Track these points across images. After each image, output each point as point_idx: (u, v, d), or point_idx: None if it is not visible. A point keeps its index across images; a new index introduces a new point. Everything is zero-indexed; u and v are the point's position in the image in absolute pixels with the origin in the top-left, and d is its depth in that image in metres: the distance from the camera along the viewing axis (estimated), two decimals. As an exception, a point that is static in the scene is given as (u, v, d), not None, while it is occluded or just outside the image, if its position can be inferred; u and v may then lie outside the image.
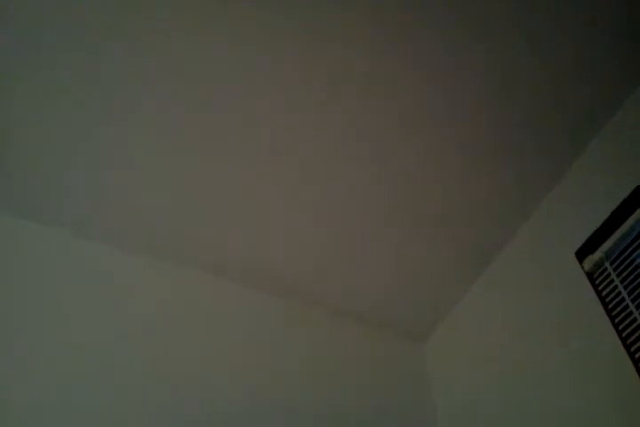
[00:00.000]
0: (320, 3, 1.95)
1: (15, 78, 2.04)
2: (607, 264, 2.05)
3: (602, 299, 2.01)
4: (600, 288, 2.05)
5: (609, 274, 2.03)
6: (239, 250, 2.54)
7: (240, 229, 2.48)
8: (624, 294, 1.93)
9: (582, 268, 2.13)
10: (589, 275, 2.11)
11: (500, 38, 2.03)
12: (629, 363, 1.81)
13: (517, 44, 2.05)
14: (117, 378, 2.09)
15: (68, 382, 2.01)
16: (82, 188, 2.32)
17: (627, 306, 1.91)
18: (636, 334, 1.83)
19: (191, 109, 2.15)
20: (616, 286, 1.98)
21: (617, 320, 1.93)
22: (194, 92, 2.11)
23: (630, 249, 1.99)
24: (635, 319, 1.86)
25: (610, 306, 1.98)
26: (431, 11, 1.96)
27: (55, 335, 2.11)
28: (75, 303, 2.23)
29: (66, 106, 2.11)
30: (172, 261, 2.55)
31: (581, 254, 2.16)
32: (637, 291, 1.90)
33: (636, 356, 1.81)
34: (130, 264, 2.48)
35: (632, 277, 1.94)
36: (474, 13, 1.97)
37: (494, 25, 1.99)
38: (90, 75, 2.05)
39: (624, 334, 1.88)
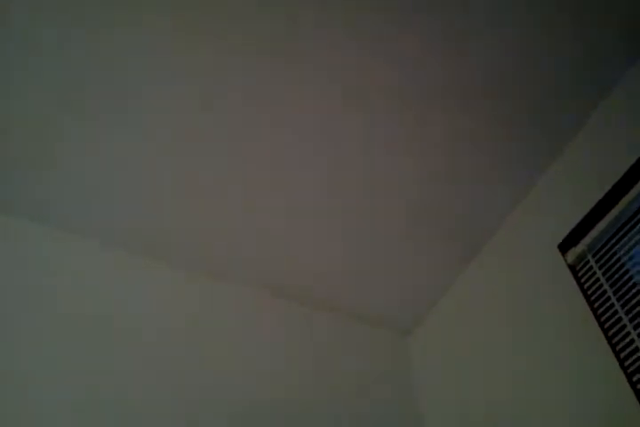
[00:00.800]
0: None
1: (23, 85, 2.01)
2: (589, 257, 2.08)
3: (584, 291, 2.04)
4: (582, 281, 2.07)
5: (591, 267, 2.06)
6: (237, 249, 2.54)
7: (239, 228, 2.47)
8: (606, 286, 1.96)
9: (565, 260, 2.16)
10: (572, 267, 2.13)
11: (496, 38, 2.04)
12: (612, 354, 1.84)
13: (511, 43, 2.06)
14: (115, 379, 2.09)
15: (65, 384, 2.01)
16: (76, 186, 2.30)
17: (608, 298, 1.94)
18: (618, 326, 1.86)
19: (196, 110, 2.14)
20: (598, 279, 2.01)
21: (599, 313, 1.95)
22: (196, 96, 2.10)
23: (612, 242, 2.01)
24: (616, 311, 1.90)
25: (592, 298, 2.01)
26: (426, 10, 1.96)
27: (53, 336, 2.10)
28: (71, 303, 2.22)
29: (59, 105, 2.09)
30: (169, 260, 2.55)
31: (564, 247, 2.18)
32: (619, 283, 1.93)
33: (618, 347, 1.84)
34: (129, 265, 2.47)
35: (614, 269, 1.96)
36: (470, 10, 1.97)
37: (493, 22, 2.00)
38: (91, 75, 2.02)
39: (606, 326, 1.91)
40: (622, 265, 1.95)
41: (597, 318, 1.95)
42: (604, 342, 1.88)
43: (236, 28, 1.97)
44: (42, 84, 2.03)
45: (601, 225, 2.06)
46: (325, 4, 1.94)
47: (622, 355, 1.81)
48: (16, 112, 2.09)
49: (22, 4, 1.87)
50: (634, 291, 1.86)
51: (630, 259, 1.94)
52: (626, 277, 1.91)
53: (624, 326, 1.85)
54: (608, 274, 1.98)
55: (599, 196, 2.10)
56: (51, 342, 2.08)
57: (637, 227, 1.94)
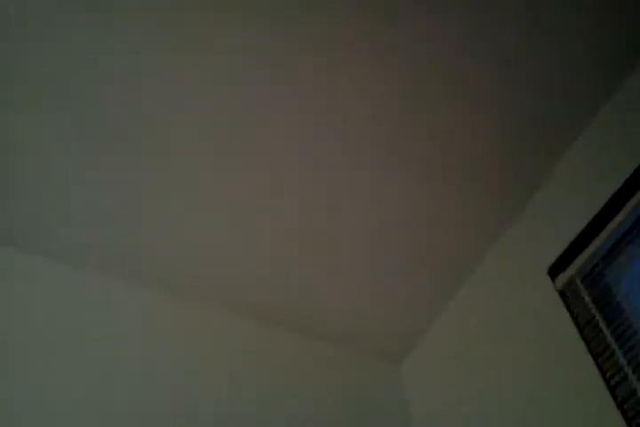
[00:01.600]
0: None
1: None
2: (578, 282, 2.06)
3: (574, 318, 2.02)
4: (572, 307, 2.05)
5: (580, 292, 2.04)
6: (227, 275, 2.53)
7: (221, 250, 2.46)
8: (595, 311, 1.94)
9: (554, 286, 2.14)
10: (562, 293, 2.12)
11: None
12: (602, 381, 1.82)
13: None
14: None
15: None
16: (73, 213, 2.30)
17: (597, 324, 1.92)
18: (607, 353, 1.84)
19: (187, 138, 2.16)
20: (587, 305, 1.99)
21: (588, 339, 1.93)
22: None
23: (600, 266, 2.00)
24: (605, 337, 1.87)
25: (581, 324, 1.98)
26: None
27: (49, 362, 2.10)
28: (58, 331, 2.21)
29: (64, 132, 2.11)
30: (143, 282, 2.54)
31: (554, 272, 2.17)
32: (607, 309, 1.91)
33: (608, 374, 1.81)
34: (107, 287, 2.45)
35: (602, 294, 1.95)
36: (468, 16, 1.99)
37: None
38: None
39: (595, 353, 1.88)
40: (610, 290, 1.93)
41: (587, 344, 1.92)
42: (595, 368, 1.85)
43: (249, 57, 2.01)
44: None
45: (589, 250, 2.05)
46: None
47: (612, 382, 1.79)
48: (20, 139, 2.11)
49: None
50: (622, 316, 1.84)
51: (618, 284, 1.93)
52: (614, 303, 1.89)
53: (613, 351, 1.82)
54: (597, 299, 1.97)
55: (587, 220, 2.09)
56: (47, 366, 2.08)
57: (624, 251, 1.93)
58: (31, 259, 2.37)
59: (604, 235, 2.01)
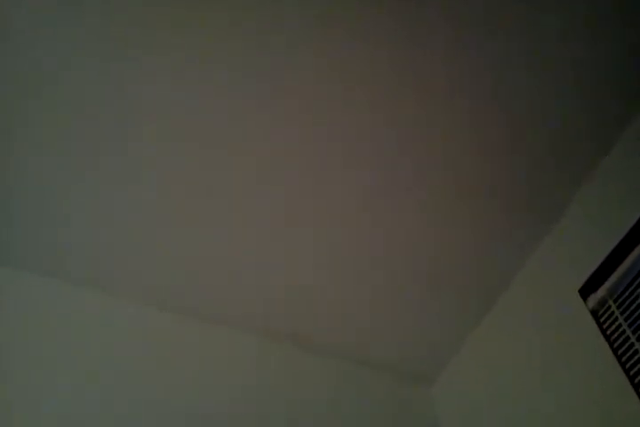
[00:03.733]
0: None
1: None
2: (611, 302, 2.05)
3: (607, 337, 2.00)
4: (605, 326, 2.04)
5: (613, 312, 2.03)
6: (257, 298, 2.56)
7: (258, 282, 2.51)
8: (629, 332, 1.93)
9: (586, 306, 2.13)
10: (594, 313, 2.10)
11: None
12: (637, 400, 1.79)
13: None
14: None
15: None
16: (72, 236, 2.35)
17: (632, 344, 1.91)
18: (643, 373, 1.82)
19: (193, 166, 2.20)
20: (620, 325, 1.98)
21: (623, 359, 1.92)
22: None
23: (633, 286, 1.99)
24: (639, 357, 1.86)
25: (615, 344, 1.97)
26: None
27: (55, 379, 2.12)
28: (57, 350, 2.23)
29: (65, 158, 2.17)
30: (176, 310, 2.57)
31: (585, 292, 2.16)
32: (642, 328, 1.89)
33: (644, 395, 1.79)
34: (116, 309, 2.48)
35: (636, 314, 1.93)
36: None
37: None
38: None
39: (631, 373, 1.87)
40: (644, 309, 1.92)
41: (621, 364, 1.90)
42: (629, 387, 1.83)
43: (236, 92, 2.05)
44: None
45: (621, 269, 2.04)
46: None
47: (649, 402, 1.77)
48: (21, 160, 2.16)
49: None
50: (657, 336, 1.83)
51: (652, 303, 1.91)
52: (648, 322, 1.88)
53: (649, 372, 1.81)
54: (631, 319, 1.95)
55: (618, 239, 2.08)
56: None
57: (658, 271, 1.92)
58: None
59: (635, 254, 2.00)
